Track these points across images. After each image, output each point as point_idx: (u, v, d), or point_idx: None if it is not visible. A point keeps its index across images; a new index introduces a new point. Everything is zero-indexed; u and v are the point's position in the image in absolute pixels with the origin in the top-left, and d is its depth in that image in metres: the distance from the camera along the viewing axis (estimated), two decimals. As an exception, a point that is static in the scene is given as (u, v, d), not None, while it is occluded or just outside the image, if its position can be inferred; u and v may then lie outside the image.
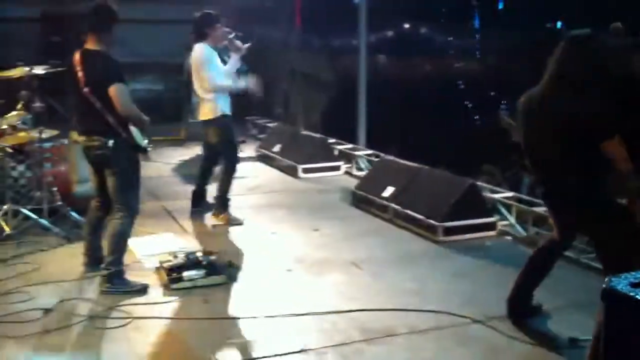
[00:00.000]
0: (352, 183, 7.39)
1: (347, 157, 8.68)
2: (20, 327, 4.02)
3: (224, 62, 6.31)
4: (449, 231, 5.69)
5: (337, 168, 8.39)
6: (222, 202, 6.31)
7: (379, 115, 9.52)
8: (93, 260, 4.86)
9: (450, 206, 5.79)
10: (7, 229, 5.59)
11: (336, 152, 8.77)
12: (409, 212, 6.08)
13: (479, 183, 6.39)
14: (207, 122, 6.29)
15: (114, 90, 4.37)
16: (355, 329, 4.02)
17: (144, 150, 4.68)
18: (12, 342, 3.85)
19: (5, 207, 5.71)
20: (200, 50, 6.13)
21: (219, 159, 6.49)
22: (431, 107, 10.41)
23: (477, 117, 11.70)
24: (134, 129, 4.55)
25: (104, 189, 4.68)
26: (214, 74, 6.07)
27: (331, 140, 9.08)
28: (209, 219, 6.37)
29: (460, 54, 12.24)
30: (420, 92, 11.12)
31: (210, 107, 6.17)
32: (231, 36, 6.33)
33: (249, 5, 12.31)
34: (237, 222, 6.25)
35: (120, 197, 4.61)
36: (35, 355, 3.74)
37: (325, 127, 10.74)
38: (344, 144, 9.01)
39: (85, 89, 4.44)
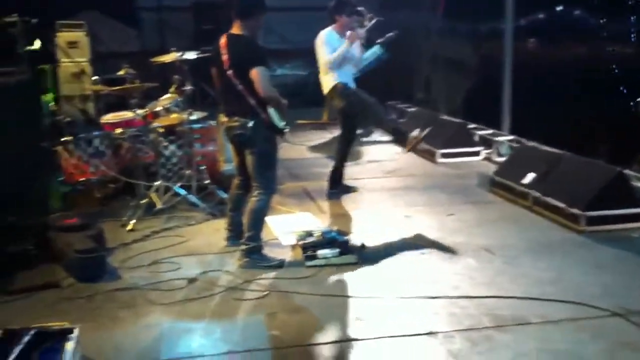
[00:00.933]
0: (491, 169, 7.23)
1: (487, 142, 8.49)
2: (166, 294, 4.36)
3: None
4: (592, 221, 5.43)
5: (476, 153, 8.23)
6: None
7: (525, 100, 9.21)
8: (234, 235, 5.12)
9: (595, 194, 5.52)
10: (158, 204, 6.02)
11: (476, 138, 8.60)
12: (549, 199, 5.86)
13: (627, 172, 6.03)
14: (328, 97, 6.60)
15: (255, 73, 4.54)
16: (485, 315, 3.97)
17: (281, 132, 4.82)
18: (158, 308, 4.18)
19: (157, 183, 6.14)
20: (322, 34, 6.50)
21: (355, 138, 6.72)
22: (581, 92, 9.91)
23: (632, 103, 10.98)
24: (272, 111, 4.70)
25: (244, 168, 4.91)
26: (328, 52, 6.39)
27: (471, 126, 8.92)
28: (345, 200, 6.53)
29: (614, 36, 11.52)
30: (570, 76, 10.61)
31: (328, 80, 6.50)
32: (362, 24, 6.72)
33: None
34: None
35: (258, 176, 4.80)
36: (177, 320, 4.03)
37: (467, 112, 10.54)
38: (484, 129, 8.82)
39: (229, 71, 4.65)
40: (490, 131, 8.73)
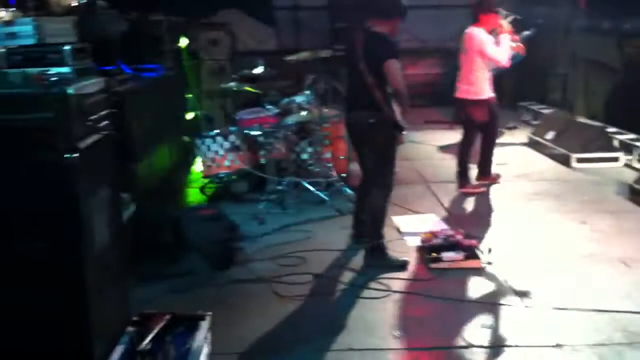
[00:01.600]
0: (632, 176, 6.84)
1: (628, 148, 8.03)
2: (291, 288, 4.51)
3: None
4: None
5: (615, 159, 7.81)
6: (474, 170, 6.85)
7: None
8: (359, 233, 5.19)
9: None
10: (291, 199, 6.22)
11: (616, 142, 8.15)
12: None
13: None
14: (475, 102, 6.49)
15: (389, 64, 4.60)
16: (618, 330, 3.80)
17: (401, 129, 4.80)
18: (280, 300, 4.34)
19: (287, 179, 6.32)
20: (480, 33, 6.38)
21: (476, 137, 6.75)
22: None
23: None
24: (396, 107, 4.72)
25: (364, 164, 4.97)
26: (499, 51, 6.35)
27: (611, 130, 8.47)
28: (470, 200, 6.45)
29: None
30: None
31: (483, 87, 6.45)
32: (507, 20, 6.43)
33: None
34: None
35: (376, 173, 4.85)
36: (300, 314, 4.16)
37: (608, 116, 10.02)
38: (625, 134, 8.34)
39: (361, 65, 4.71)
40: (632, 136, 8.25)
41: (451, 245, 4.96)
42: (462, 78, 6.63)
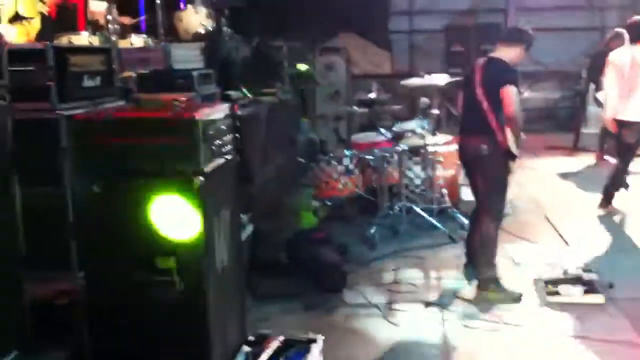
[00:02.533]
0: None
1: None
2: (400, 314, 4.51)
3: None
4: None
5: None
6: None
7: None
8: (471, 261, 5.11)
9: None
10: (400, 224, 6.22)
11: None
12: None
13: None
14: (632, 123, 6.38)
15: (505, 91, 4.55)
16: None
17: (514, 157, 4.74)
18: (390, 327, 4.35)
19: (400, 203, 6.33)
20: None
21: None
22: None
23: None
24: (509, 135, 4.64)
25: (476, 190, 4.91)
26: None
27: None
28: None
29: None
30: None
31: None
32: None
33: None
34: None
35: (486, 200, 4.78)
36: (412, 342, 4.15)
37: None
38: None
39: (478, 90, 4.69)
40: None
41: (570, 278, 4.79)
42: (623, 98, 6.42)
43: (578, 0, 12.91)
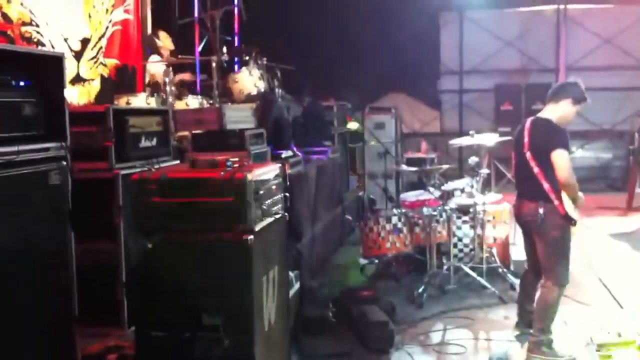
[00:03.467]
0: None
1: None
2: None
3: None
4: None
5: None
6: None
7: None
8: (523, 322, 5.01)
9: None
10: (449, 284, 6.18)
11: None
12: None
13: None
14: None
15: (555, 155, 4.45)
16: None
17: (573, 222, 4.62)
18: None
19: (448, 262, 6.30)
20: None
21: None
22: None
23: None
24: (566, 198, 4.55)
25: (534, 253, 4.81)
26: None
27: None
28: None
29: None
30: None
31: None
32: None
33: None
34: None
35: (548, 266, 4.67)
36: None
37: None
38: None
39: (527, 153, 4.62)
40: None
41: (624, 343, 4.66)
42: None
43: (629, 59, 12.86)
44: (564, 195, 4.55)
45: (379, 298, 5.47)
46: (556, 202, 4.54)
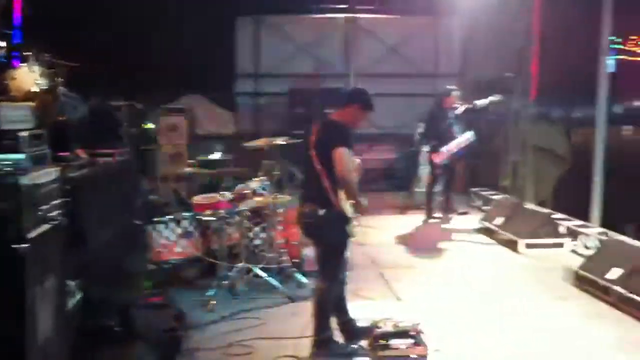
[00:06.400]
0: (576, 262, 7.05)
1: (574, 234, 8.30)
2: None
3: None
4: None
5: (560, 245, 8.06)
6: None
7: (618, 191, 8.99)
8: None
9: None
10: (239, 286, 6.23)
11: (562, 229, 8.42)
12: (635, 297, 5.68)
13: None
14: None
15: (336, 152, 4.56)
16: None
17: (351, 221, 4.78)
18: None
19: (239, 265, 6.37)
20: None
21: None
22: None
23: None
24: (344, 198, 4.68)
25: None
26: None
27: (557, 216, 8.76)
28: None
29: None
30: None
31: None
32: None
33: (486, 76, 12.51)
34: None
35: (322, 266, 4.84)
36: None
37: (556, 203, 10.37)
38: (571, 220, 8.63)
39: (312, 153, 4.73)
40: (578, 222, 8.53)
41: (399, 332, 5.00)
42: None
43: (413, 68, 13.88)
44: (342, 194, 4.69)
45: (167, 304, 5.37)
46: (335, 202, 4.66)
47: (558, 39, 10.99)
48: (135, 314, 5.10)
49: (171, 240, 6.50)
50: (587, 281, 6.41)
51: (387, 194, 11.70)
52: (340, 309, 5.07)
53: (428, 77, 14.00)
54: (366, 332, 5.04)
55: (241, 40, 13.69)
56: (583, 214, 8.71)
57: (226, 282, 6.22)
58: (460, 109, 9.39)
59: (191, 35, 11.93)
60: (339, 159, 4.58)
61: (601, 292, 6.14)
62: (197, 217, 6.63)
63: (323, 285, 4.83)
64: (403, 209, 10.67)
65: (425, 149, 10.14)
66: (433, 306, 6.00)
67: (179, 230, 6.51)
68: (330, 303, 4.88)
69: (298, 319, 5.43)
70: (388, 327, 5.06)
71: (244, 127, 13.46)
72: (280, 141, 6.84)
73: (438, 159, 9.25)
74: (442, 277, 6.96)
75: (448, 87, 9.80)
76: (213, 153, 7.92)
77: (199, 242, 6.59)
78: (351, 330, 5.09)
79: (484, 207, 10.72)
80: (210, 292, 5.98)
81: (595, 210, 8.85)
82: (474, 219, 9.75)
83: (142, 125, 9.22)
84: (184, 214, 6.74)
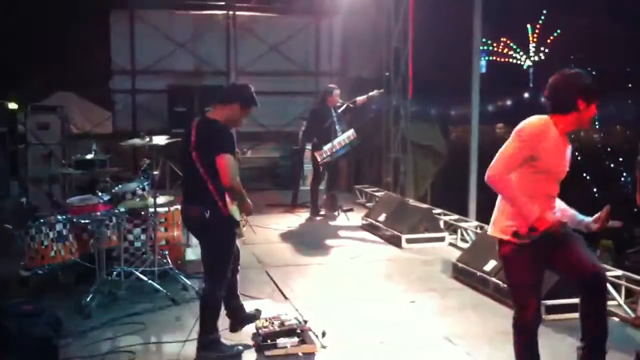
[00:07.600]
0: (456, 255, 7.30)
1: (453, 228, 8.60)
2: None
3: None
4: (550, 310, 5.48)
5: (441, 239, 8.32)
6: None
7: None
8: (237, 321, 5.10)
9: (554, 284, 5.58)
10: (119, 289, 5.97)
11: (441, 223, 8.70)
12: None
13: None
14: None
15: (219, 161, 4.43)
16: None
17: (237, 224, 4.72)
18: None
19: (119, 268, 6.09)
20: None
21: None
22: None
23: (595, 189, 11.24)
24: (229, 201, 4.59)
25: None
26: None
27: (437, 211, 9.04)
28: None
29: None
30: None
31: None
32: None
33: (365, 76, 12.75)
34: None
35: (208, 267, 4.73)
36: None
37: (435, 198, 10.72)
38: (449, 215, 8.94)
39: (193, 153, 4.55)
40: (455, 217, 8.85)
41: (286, 330, 4.95)
42: None
43: (294, 67, 13.90)
44: (227, 197, 4.58)
45: (42, 312, 5.04)
46: (220, 204, 4.54)
47: (432, 41, 11.39)
48: (7, 323, 4.75)
49: (44, 245, 6.11)
50: (465, 273, 6.64)
51: (272, 193, 11.67)
52: (230, 295, 4.98)
53: (309, 75, 14.08)
54: (254, 318, 5.09)
55: (116, 34, 13.09)
56: (458, 209, 9.07)
57: (105, 286, 5.93)
58: (342, 107, 9.50)
59: (64, 28, 11.36)
60: (223, 168, 4.44)
61: (479, 284, 6.37)
62: (72, 220, 6.27)
63: (209, 286, 4.71)
64: (288, 208, 10.65)
65: (308, 147, 10.21)
66: (319, 304, 6.00)
67: (53, 234, 6.12)
68: (217, 305, 4.76)
69: (182, 321, 5.27)
70: (275, 327, 5.02)
71: (122, 126, 12.95)
72: (159, 140, 6.61)
73: (320, 157, 9.32)
74: (328, 275, 6.99)
75: (330, 85, 9.90)
76: (89, 153, 7.53)
77: (74, 246, 6.24)
78: (239, 316, 5.04)
79: (368, 204, 10.90)
80: (88, 298, 5.68)
81: (472, 204, 9.24)
82: (358, 216, 9.88)
83: (12, 124, 8.71)
84: (58, 217, 6.34)
